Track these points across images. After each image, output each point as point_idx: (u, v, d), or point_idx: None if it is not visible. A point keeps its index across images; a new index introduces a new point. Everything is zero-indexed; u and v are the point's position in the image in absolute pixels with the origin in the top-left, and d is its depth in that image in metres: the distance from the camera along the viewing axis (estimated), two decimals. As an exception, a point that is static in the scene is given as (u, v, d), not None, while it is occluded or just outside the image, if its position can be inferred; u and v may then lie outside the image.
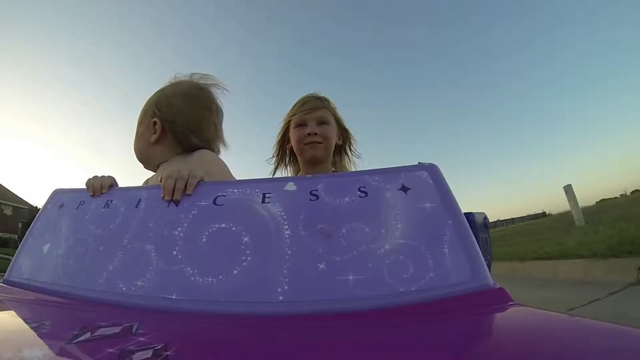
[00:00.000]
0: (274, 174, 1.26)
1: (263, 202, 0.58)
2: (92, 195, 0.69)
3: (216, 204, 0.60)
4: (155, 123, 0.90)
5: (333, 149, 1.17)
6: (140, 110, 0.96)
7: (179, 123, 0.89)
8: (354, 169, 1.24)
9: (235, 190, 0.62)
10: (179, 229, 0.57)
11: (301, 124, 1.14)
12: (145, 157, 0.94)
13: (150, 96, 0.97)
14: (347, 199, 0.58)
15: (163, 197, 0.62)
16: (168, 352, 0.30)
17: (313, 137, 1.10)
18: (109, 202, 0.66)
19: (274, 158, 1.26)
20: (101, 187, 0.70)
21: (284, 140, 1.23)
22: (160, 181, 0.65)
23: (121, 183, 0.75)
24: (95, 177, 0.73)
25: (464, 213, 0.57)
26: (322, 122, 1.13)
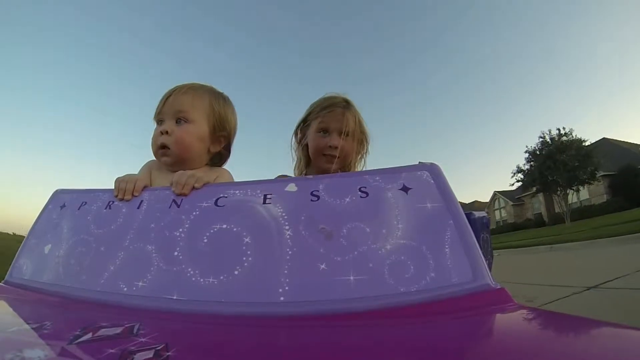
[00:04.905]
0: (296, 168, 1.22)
1: (264, 203, 0.58)
2: (121, 199, 0.66)
3: (217, 205, 0.60)
4: (222, 138, 0.95)
5: (348, 163, 1.12)
6: (194, 99, 0.88)
7: (231, 143, 1.00)
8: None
9: (237, 192, 0.62)
10: (180, 229, 0.57)
11: (323, 130, 1.08)
12: (191, 156, 0.89)
13: (200, 93, 0.90)
14: (348, 199, 0.58)
15: (174, 191, 0.65)
16: (169, 353, 0.30)
17: (333, 151, 1.05)
18: (111, 202, 0.66)
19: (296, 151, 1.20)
20: (133, 189, 0.67)
21: (297, 134, 1.18)
22: (172, 185, 0.66)
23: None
24: (126, 179, 0.69)
25: (465, 213, 0.58)
26: (344, 133, 1.05)
